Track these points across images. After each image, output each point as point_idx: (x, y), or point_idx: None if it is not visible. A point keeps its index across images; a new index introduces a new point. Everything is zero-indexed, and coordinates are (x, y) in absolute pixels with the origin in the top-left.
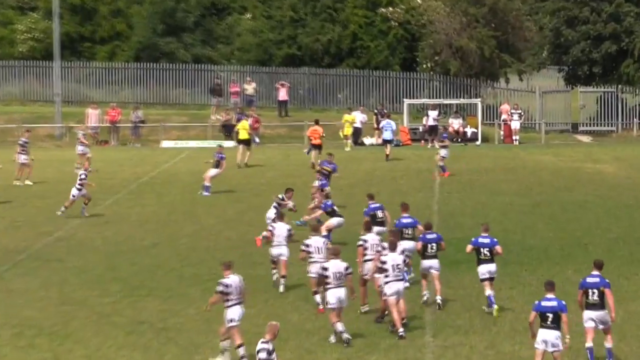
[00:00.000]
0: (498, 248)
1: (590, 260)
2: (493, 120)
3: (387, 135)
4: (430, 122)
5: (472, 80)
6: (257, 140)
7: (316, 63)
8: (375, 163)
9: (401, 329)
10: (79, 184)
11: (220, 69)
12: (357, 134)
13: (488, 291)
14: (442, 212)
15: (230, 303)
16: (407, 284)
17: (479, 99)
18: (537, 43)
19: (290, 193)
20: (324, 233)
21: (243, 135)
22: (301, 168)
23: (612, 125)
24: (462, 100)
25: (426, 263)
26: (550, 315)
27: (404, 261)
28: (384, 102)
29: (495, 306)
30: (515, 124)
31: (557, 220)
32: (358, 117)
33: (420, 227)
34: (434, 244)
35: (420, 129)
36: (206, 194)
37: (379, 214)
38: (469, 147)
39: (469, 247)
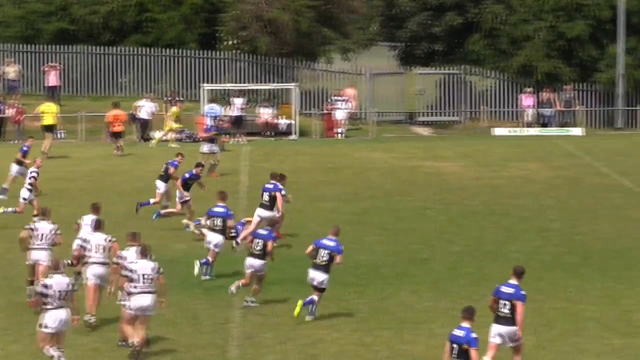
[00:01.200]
0: (339, 258)
1: (431, 279)
2: (312, 110)
3: (209, 122)
4: (235, 112)
5: (286, 61)
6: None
7: (94, 40)
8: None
9: (135, 340)
10: (29, 184)
11: None
12: (144, 127)
13: (314, 297)
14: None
15: None
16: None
17: (295, 84)
18: (366, 15)
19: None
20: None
21: (48, 120)
22: (77, 170)
23: (456, 115)
24: (274, 85)
25: (249, 261)
26: (455, 347)
27: (157, 270)
28: (178, 87)
29: (300, 301)
30: (340, 114)
31: (390, 231)
32: (146, 107)
33: (231, 222)
34: (259, 241)
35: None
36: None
37: (265, 196)
38: (283, 142)
39: (311, 248)
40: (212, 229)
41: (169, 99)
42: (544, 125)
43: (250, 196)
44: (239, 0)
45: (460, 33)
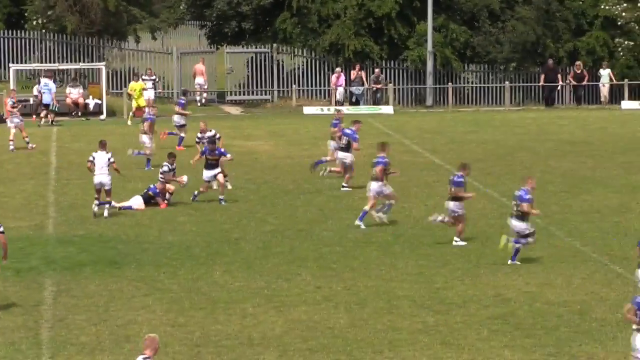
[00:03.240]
0: (525, 206)
1: (242, 259)
2: (121, 89)
3: (46, 98)
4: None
5: (94, 40)
6: None
7: None
8: None
9: None
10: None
11: None
12: None
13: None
14: (60, 203)
15: None
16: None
17: (103, 63)
18: None
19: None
20: None
21: None
22: None
23: (266, 94)
24: (82, 65)
25: (447, 204)
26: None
27: None
28: None
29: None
30: (149, 94)
31: (200, 211)
32: None
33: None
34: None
35: (31, 100)
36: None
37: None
38: (92, 122)
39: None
40: (372, 177)
41: None
42: (354, 103)
43: (59, 177)
44: None
45: (270, 12)
